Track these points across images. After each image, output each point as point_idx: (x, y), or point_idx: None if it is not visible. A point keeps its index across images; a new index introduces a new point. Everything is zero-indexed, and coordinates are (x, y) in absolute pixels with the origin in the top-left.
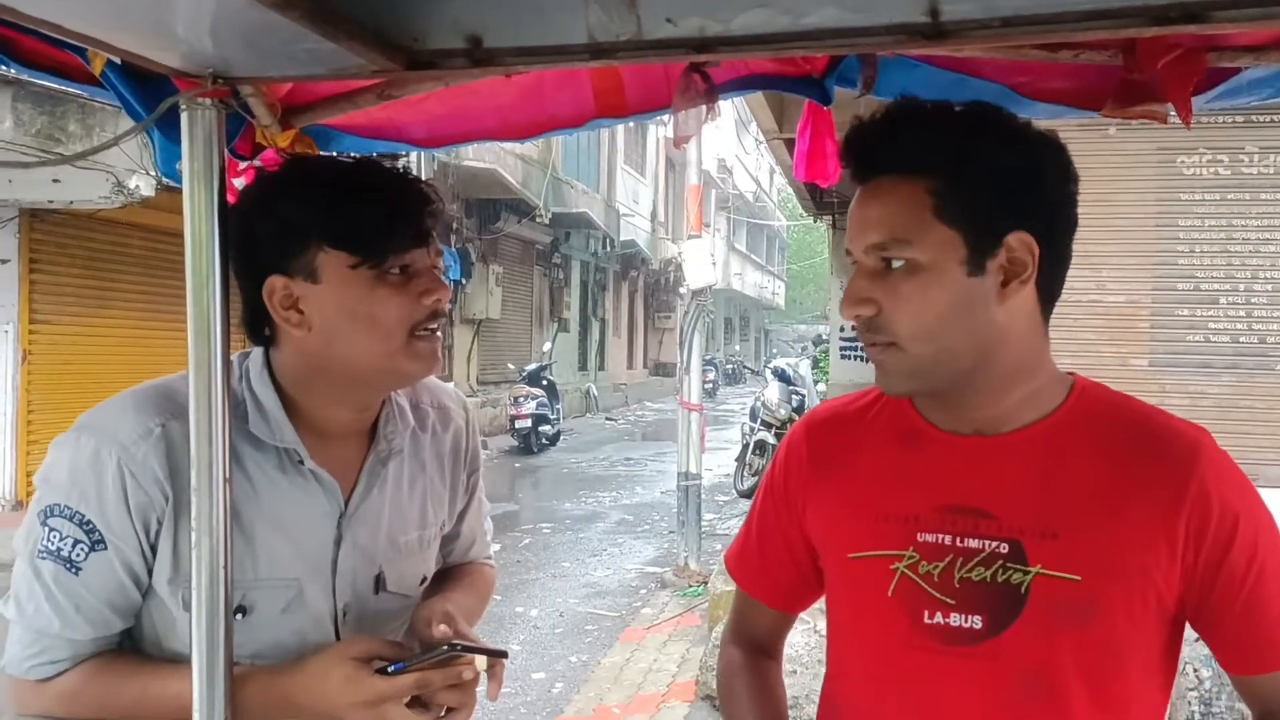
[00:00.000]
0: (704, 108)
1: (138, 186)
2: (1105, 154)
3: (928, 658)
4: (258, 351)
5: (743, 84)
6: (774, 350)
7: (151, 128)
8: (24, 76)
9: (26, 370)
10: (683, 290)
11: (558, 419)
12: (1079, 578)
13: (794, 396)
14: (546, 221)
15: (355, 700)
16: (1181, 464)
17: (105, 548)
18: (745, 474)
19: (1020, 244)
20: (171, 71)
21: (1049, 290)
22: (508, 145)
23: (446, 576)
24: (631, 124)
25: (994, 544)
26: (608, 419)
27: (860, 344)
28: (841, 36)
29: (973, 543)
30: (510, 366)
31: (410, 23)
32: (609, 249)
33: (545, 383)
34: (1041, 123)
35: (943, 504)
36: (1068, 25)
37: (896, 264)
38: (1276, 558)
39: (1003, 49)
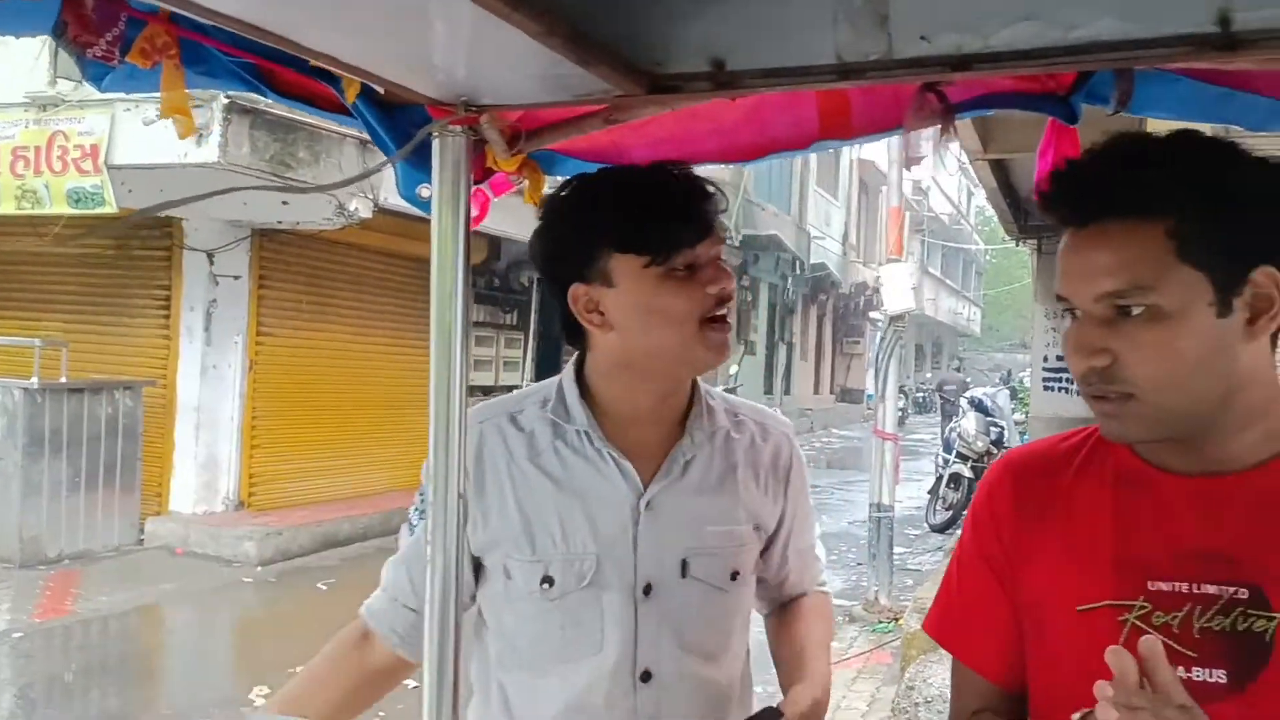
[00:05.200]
0: (938, 129)
1: (357, 209)
2: None
3: None
4: (573, 358)
5: (979, 103)
6: (968, 380)
7: (393, 153)
8: (260, 106)
9: (252, 378)
10: (874, 315)
11: None
12: None
13: (992, 428)
14: (736, 244)
15: None
16: None
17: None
18: (938, 508)
19: (1266, 279)
20: (426, 100)
21: None
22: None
23: (790, 609)
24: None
25: (1232, 589)
26: None
27: (1070, 379)
28: (1117, 50)
29: (1210, 589)
30: None
31: (653, 47)
32: (798, 272)
33: None
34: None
35: (1176, 549)
36: None
37: (1136, 311)
38: None
39: None
